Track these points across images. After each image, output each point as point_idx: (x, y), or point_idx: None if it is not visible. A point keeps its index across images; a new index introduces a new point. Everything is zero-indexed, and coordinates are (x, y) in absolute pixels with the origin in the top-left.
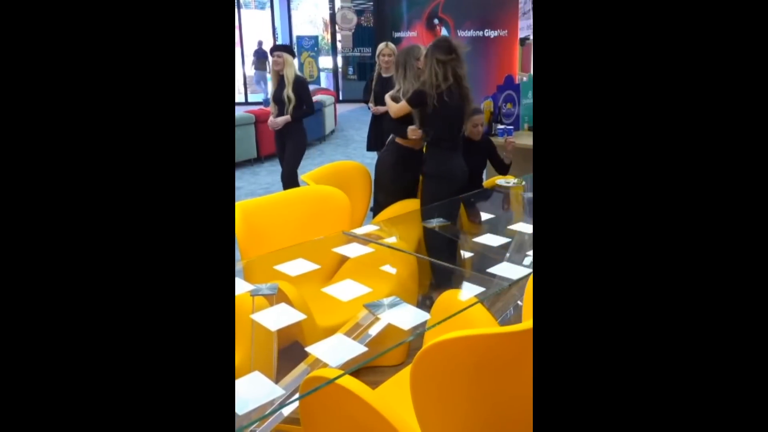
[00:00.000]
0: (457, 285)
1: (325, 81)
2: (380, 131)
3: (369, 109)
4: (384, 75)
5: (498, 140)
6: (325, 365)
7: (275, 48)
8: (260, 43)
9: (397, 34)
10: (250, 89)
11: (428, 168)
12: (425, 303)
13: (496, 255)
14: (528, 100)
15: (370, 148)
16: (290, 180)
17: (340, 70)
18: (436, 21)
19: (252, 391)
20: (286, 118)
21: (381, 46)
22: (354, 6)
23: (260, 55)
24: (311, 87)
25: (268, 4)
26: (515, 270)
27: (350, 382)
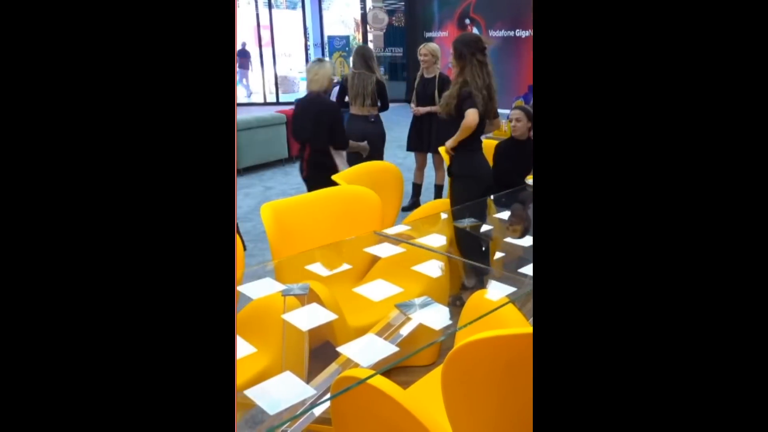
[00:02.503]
0: (489, 285)
1: None
2: (421, 131)
3: (411, 109)
4: (426, 75)
5: None
6: (357, 365)
7: None
8: (243, 44)
9: (428, 34)
10: (281, 89)
11: (455, 168)
12: (456, 303)
13: (528, 255)
14: None
15: (410, 148)
16: None
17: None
18: (467, 21)
19: (283, 391)
20: None
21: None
22: (385, 6)
23: (243, 55)
24: None
25: (300, 4)
26: None
27: (381, 382)
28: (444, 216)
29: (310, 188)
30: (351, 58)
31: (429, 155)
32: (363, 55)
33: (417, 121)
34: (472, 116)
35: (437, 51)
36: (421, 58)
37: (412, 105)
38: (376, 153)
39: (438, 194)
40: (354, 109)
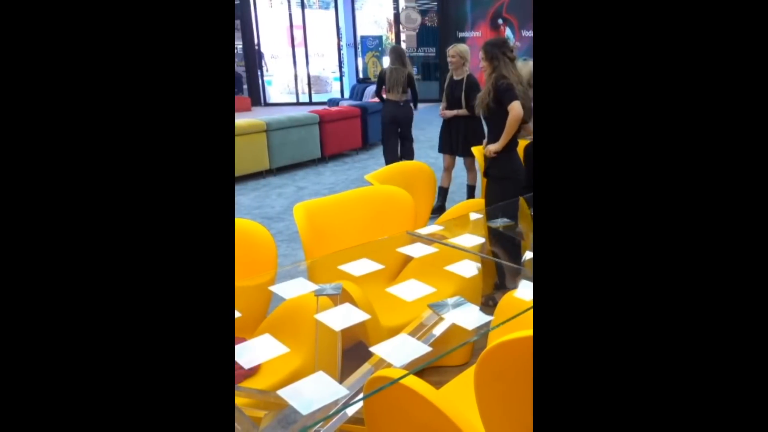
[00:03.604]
0: (522, 285)
1: None
2: (450, 134)
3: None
4: (455, 78)
5: None
6: (389, 365)
7: None
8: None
9: (461, 34)
10: (314, 89)
11: (493, 170)
12: (489, 303)
13: None
14: None
15: (441, 150)
16: None
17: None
18: (500, 21)
19: (316, 391)
20: None
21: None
22: (418, 6)
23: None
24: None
25: (332, 4)
26: None
27: (414, 382)
28: (477, 216)
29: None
30: (388, 56)
31: (458, 158)
32: (398, 53)
33: (446, 124)
34: (517, 108)
35: (466, 52)
36: (449, 59)
37: (441, 108)
38: (406, 130)
39: (471, 195)
40: (390, 96)
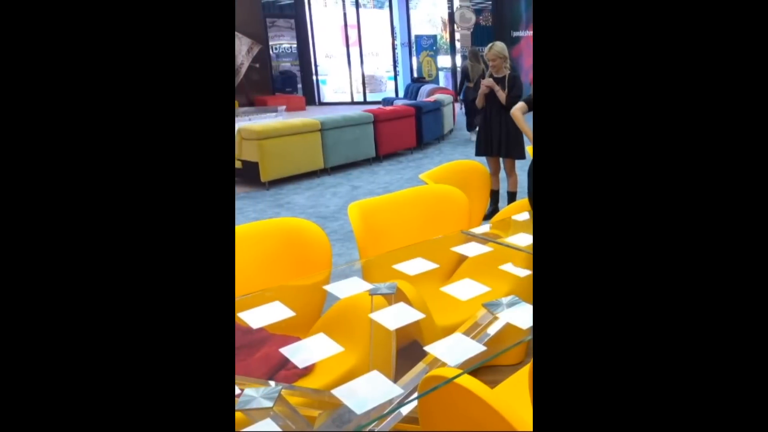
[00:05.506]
0: None
1: (444, 80)
2: (490, 135)
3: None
4: (496, 75)
5: None
6: (444, 364)
7: None
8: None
9: (515, 33)
10: (369, 88)
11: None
12: None
13: None
14: None
15: (479, 153)
16: None
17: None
18: None
19: (371, 390)
20: None
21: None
22: (473, 5)
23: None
24: (430, 86)
25: (387, 4)
26: None
27: (469, 382)
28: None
29: None
30: (468, 56)
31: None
32: (475, 53)
33: (486, 123)
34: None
35: (503, 50)
36: (490, 63)
37: (481, 92)
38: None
39: (512, 201)
40: (470, 85)
